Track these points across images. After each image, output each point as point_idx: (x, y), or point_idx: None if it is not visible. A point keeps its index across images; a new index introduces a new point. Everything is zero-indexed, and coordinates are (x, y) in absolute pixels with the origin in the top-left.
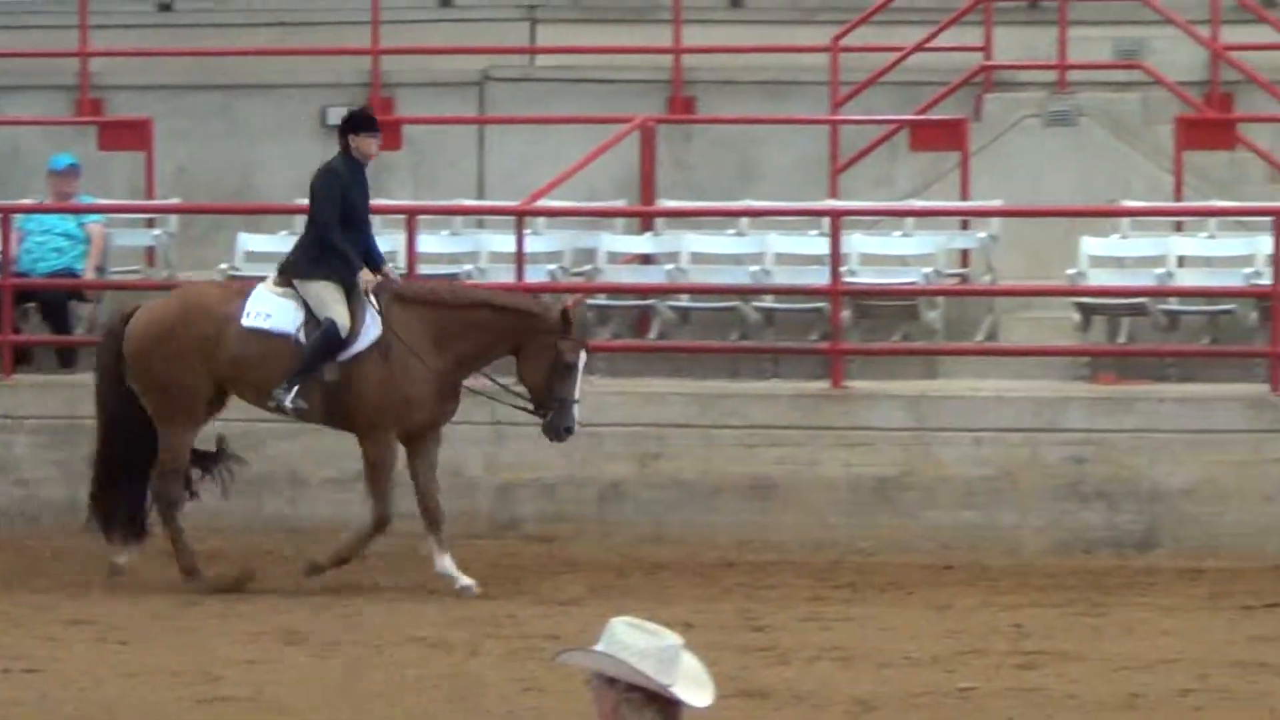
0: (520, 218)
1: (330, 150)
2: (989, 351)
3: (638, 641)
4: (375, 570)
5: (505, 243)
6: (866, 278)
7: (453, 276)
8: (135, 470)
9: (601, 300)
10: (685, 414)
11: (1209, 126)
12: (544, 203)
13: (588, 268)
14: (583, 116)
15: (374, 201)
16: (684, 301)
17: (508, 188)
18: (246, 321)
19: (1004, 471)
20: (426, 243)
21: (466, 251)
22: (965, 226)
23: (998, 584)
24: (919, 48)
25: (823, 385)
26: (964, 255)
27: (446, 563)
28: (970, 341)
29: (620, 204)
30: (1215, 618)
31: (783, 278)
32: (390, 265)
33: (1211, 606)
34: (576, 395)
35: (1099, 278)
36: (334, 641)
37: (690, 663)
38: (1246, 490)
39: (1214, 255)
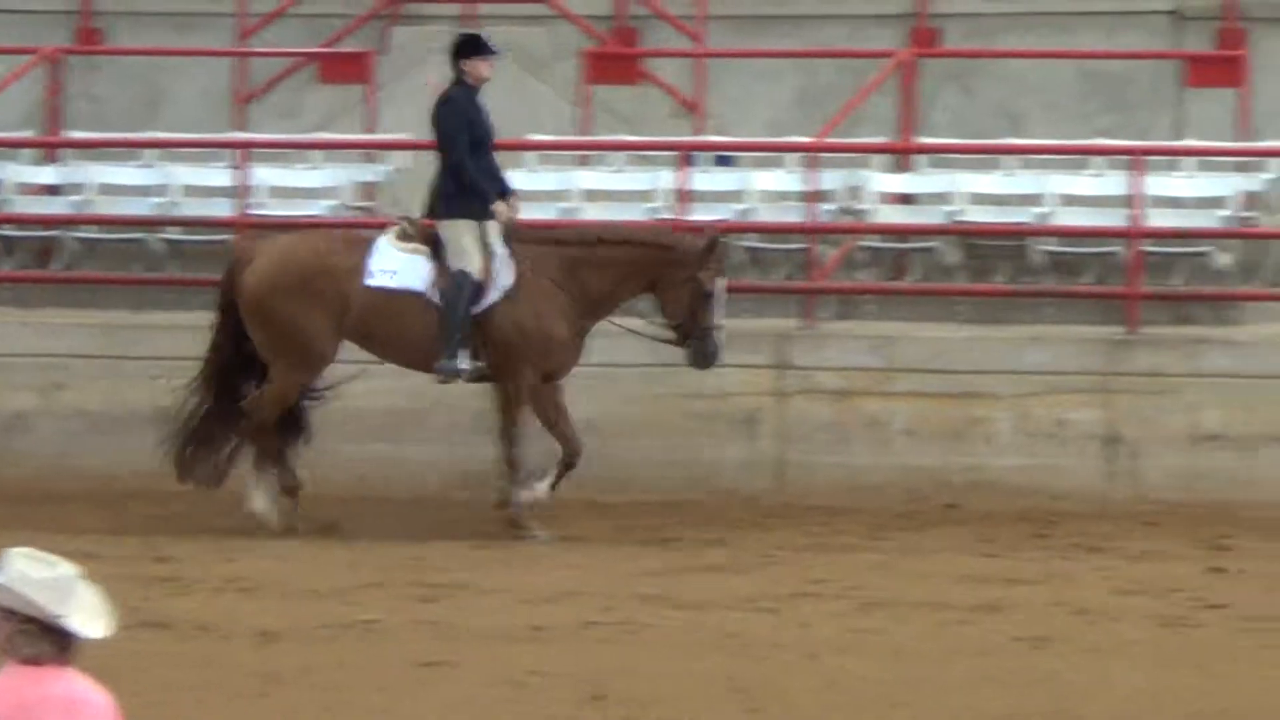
0: None
1: None
2: None
3: (33, 572)
4: None
5: None
6: (274, 210)
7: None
8: (228, 417)
9: (6, 231)
10: (90, 345)
11: (614, 61)
12: None
13: None
14: None
15: None
16: (90, 232)
17: None
18: (371, 282)
19: (412, 405)
20: None
21: None
22: (372, 159)
23: (403, 516)
24: None
25: None
26: (370, 188)
27: (536, 493)
28: None
29: (27, 134)
30: (619, 551)
31: (189, 209)
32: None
33: (615, 540)
34: (719, 322)
35: None
36: None
37: (87, 594)
38: (648, 425)
39: (619, 189)
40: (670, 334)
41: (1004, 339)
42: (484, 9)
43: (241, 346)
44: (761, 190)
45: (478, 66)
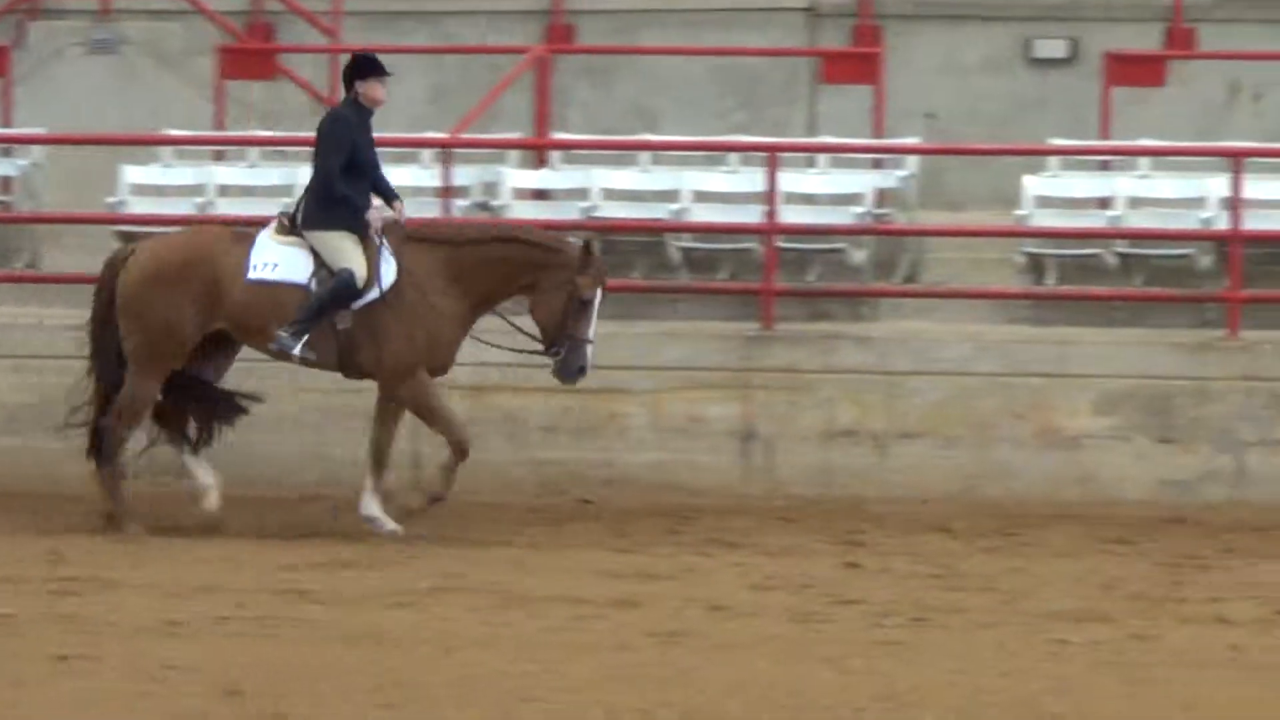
0: None
1: None
2: (28, 279)
3: None
4: None
5: None
6: None
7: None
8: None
9: None
10: None
11: (250, 56)
12: None
13: None
14: None
15: None
16: None
17: None
18: (253, 275)
19: (43, 398)
20: None
21: None
22: (9, 154)
23: (35, 511)
24: None
25: None
26: (7, 182)
27: (373, 507)
28: (15, 269)
29: None
30: (257, 546)
31: None
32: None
33: (254, 534)
34: (591, 334)
35: (140, 205)
36: None
37: None
38: (287, 419)
39: (255, 184)
40: (536, 342)
41: (640, 334)
42: (120, 3)
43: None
44: (397, 186)
45: (373, 89)
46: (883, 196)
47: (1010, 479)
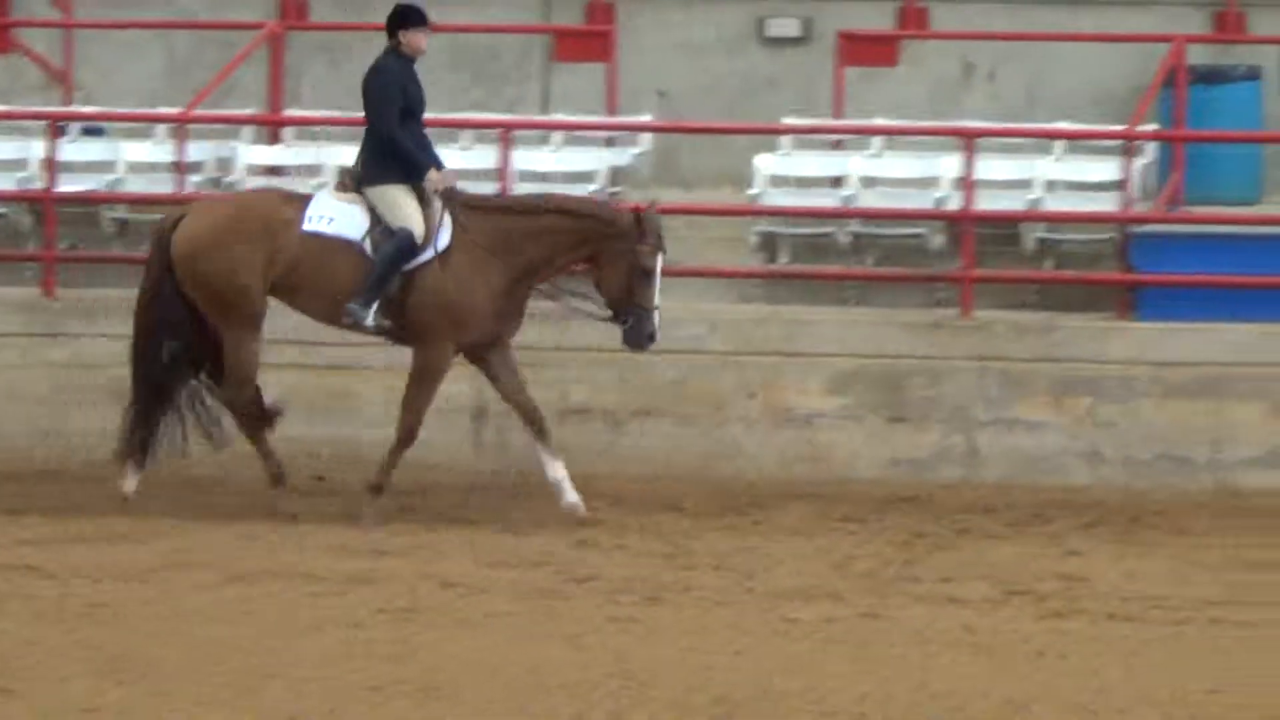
0: None
1: None
2: None
3: None
4: None
5: None
6: None
7: None
8: (167, 394)
9: None
10: None
11: None
12: None
13: None
14: None
15: None
16: None
17: None
18: (307, 226)
19: None
20: None
21: None
22: None
23: None
24: None
25: None
26: None
27: (559, 470)
28: None
29: None
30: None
31: None
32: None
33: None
34: (656, 301)
35: None
36: None
37: None
38: (18, 394)
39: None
40: (606, 312)
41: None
42: None
43: (168, 315)
44: (131, 161)
45: (415, 38)
46: (616, 175)
47: (743, 457)
